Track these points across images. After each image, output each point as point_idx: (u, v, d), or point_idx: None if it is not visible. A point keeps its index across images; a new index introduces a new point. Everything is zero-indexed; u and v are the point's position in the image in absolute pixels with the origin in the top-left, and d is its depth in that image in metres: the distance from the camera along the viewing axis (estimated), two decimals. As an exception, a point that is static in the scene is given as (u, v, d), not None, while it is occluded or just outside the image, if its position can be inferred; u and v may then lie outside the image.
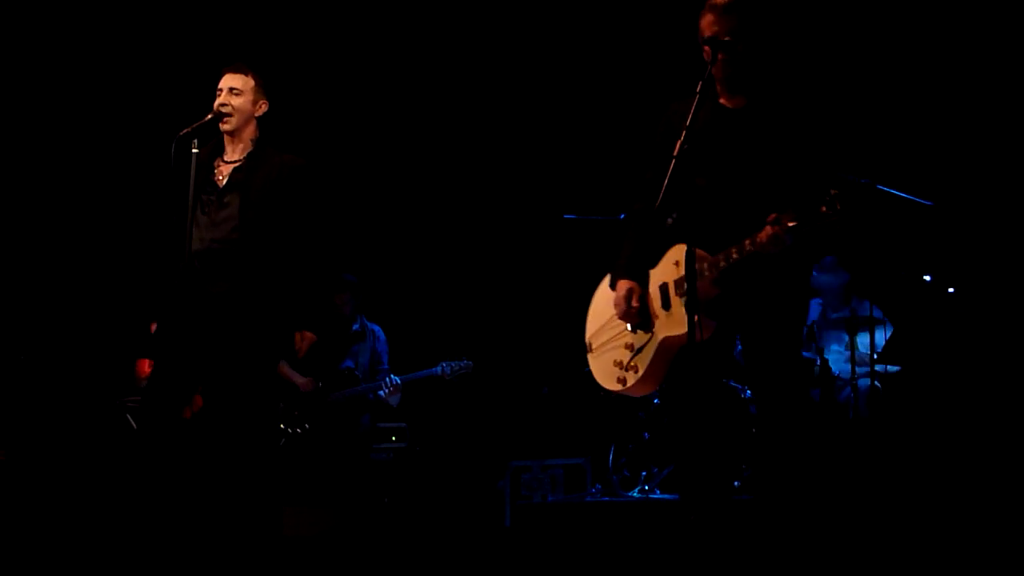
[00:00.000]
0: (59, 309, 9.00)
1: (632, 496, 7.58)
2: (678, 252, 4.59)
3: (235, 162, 5.74)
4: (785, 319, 4.58)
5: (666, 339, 4.65)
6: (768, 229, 4.33)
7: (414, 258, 9.79)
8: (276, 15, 9.19)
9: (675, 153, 4.32)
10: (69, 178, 9.11)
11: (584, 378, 8.37)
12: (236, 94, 5.70)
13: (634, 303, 4.72)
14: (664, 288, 4.69)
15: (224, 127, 5.71)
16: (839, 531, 5.45)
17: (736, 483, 7.14)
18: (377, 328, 8.57)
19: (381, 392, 8.09)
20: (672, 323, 4.63)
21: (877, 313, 7.43)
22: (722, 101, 4.68)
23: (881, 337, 7.36)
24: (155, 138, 6.48)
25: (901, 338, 7.28)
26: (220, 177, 5.73)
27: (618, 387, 4.89)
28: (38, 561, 6.11)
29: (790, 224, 4.26)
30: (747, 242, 4.38)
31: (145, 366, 8.07)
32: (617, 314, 4.82)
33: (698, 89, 4.42)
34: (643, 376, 4.75)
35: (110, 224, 9.11)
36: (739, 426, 7.18)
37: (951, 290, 7.28)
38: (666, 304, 4.67)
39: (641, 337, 4.78)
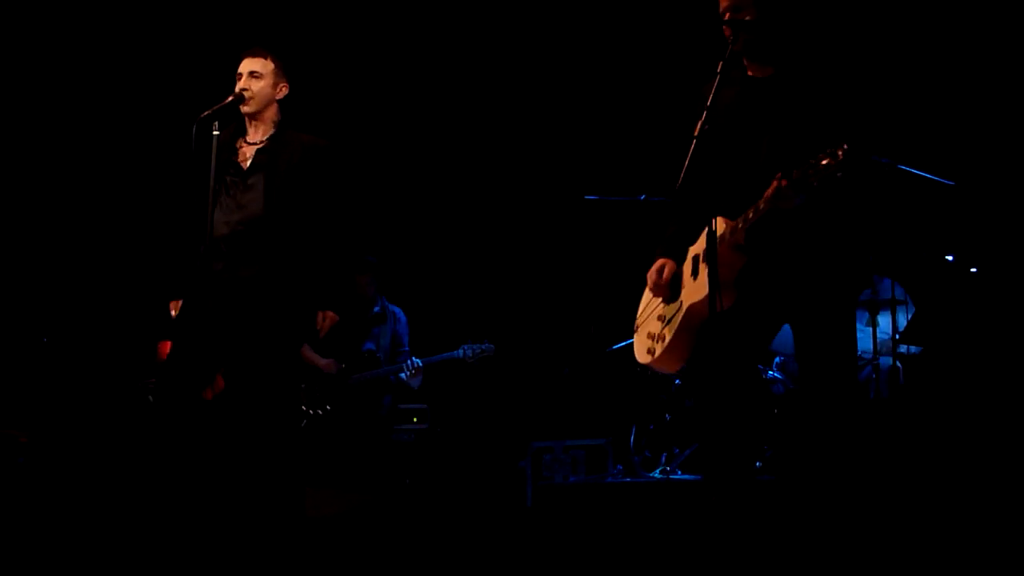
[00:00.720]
0: (81, 292, 9.03)
1: (653, 477, 7.58)
2: (713, 224, 4.59)
3: (258, 144, 5.78)
4: (825, 296, 4.54)
5: (691, 306, 4.66)
6: (773, 183, 4.32)
7: (436, 240, 9.79)
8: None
9: (695, 134, 4.32)
10: (91, 161, 9.13)
11: (606, 359, 8.43)
12: (256, 77, 5.73)
13: (664, 276, 4.73)
14: (696, 259, 4.72)
15: (245, 109, 5.73)
16: (861, 514, 5.44)
17: (758, 463, 7.14)
18: (398, 310, 8.58)
19: (403, 375, 8.11)
20: (696, 290, 4.63)
21: (899, 293, 7.41)
22: (750, 72, 4.67)
23: (903, 317, 7.34)
24: (175, 120, 6.50)
25: (923, 318, 7.26)
26: (243, 159, 5.76)
27: (648, 358, 4.92)
28: (60, 541, 6.14)
29: (794, 175, 4.23)
30: (760, 201, 4.37)
31: (167, 348, 8.10)
32: (649, 286, 4.85)
33: (718, 69, 4.42)
34: (669, 345, 4.75)
35: (132, 206, 9.12)
36: (761, 406, 7.17)
37: (974, 270, 7.25)
38: (695, 273, 4.69)
39: (672, 308, 4.79)
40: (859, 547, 4.60)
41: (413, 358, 8.15)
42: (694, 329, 4.70)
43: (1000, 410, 6.84)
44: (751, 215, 4.42)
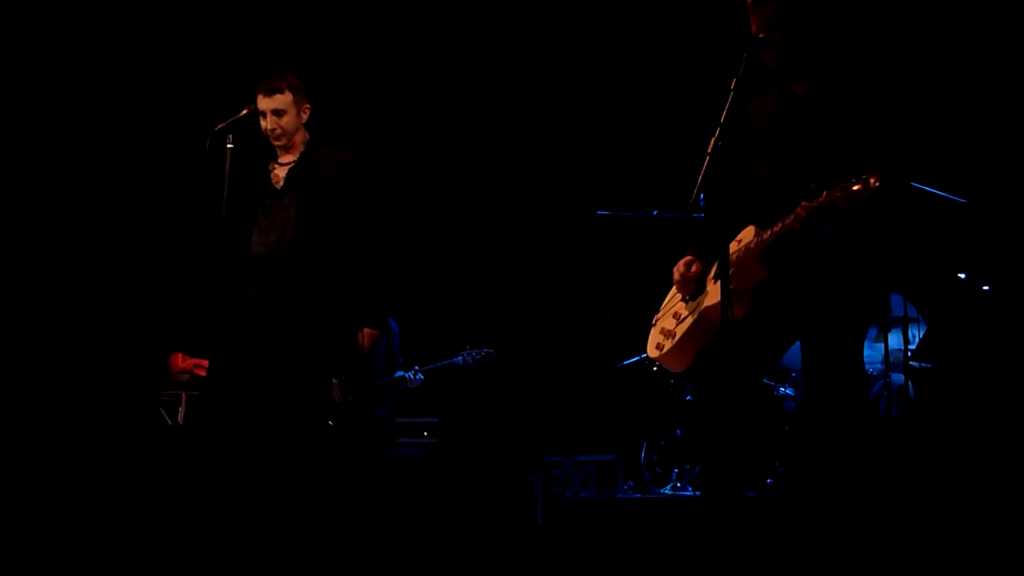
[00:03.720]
0: (93, 303, 9.04)
1: (664, 493, 7.56)
2: (744, 232, 4.63)
3: (289, 164, 5.88)
4: (840, 319, 4.53)
5: (706, 309, 4.66)
6: (799, 207, 4.32)
7: (448, 253, 9.79)
8: (301, 10, 9.23)
9: (708, 151, 4.33)
10: (104, 174, 9.15)
11: (617, 374, 8.42)
12: (280, 115, 5.79)
13: (691, 270, 4.75)
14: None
15: (278, 144, 5.87)
16: (871, 530, 5.43)
17: (769, 480, 7.12)
18: (391, 321, 8.55)
19: (408, 383, 8.11)
20: (714, 294, 4.63)
21: (911, 311, 7.40)
22: (791, 87, 4.68)
23: (914, 335, 7.33)
24: (190, 132, 6.53)
25: (935, 336, 7.25)
26: (277, 181, 5.87)
27: (656, 353, 4.93)
28: (71, 552, 6.14)
29: (822, 197, 4.24)
30: (788, 217, 4.38)
31: (178, 360, 8.11)
32: (675, 278, 4.84)
33: (732, 87, 4.42)
34: (677, 344, 4.76)
35: (145, 217, 9.14)
36: (772, 423, 7.16)
37: (986, 288, 7.24)
38: (716, 277, 4.68)
39: (689, 308, 4.80)
40: (868, 563, 4.59)
41: (417, 368, 8.13)
42: (705, 333, 4.71)
43: (1012, 428, 6.83)
44: (776, 229, 4.42)
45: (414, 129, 9.65)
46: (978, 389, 7.16)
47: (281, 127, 5.80)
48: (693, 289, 4.80)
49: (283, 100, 5.79)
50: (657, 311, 5.20)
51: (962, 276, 7.29)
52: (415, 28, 9.39)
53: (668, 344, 4.85)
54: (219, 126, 5.61)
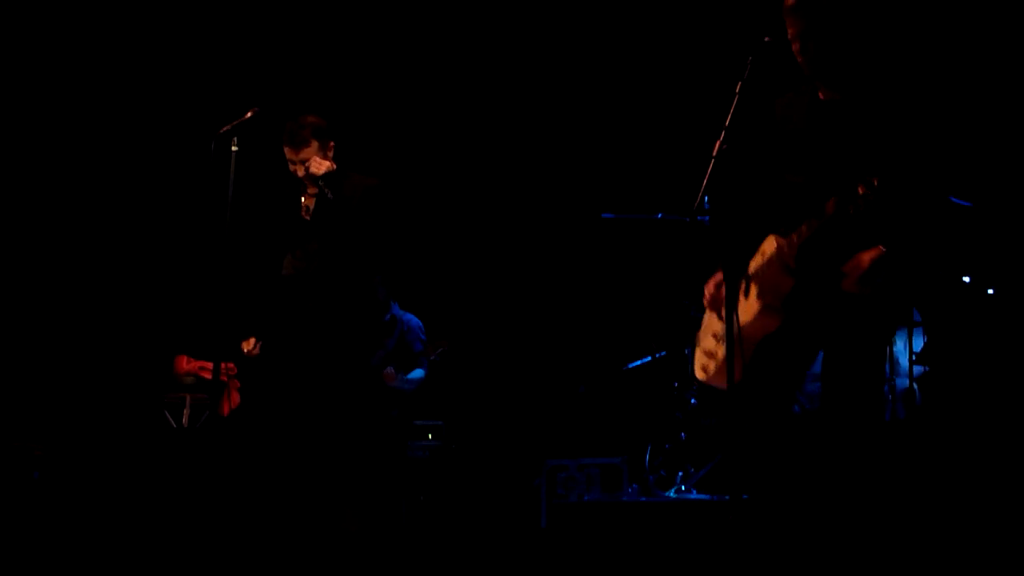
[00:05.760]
0: (97, 306, 9.04)
1: (669, 496, 7.56)
2: (766, 243, 4.62)
3: (317, 195, 6.12)
4: (867, 327, 4.53)
5: (743, 325, 4.62)
6: (814, 218, 4.31)
7: (452, 257, 9.79)
8: (302, 11, 9.26)
9: (714, 153, 4.32)
10: (109, 177, 9.16)
11: (621, 377, 8.42)
12: (307, 163, 6.00)
13: (721, 293, 4.72)
14: (748, 277, 4.69)
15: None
16: (876, 534, 5.42)
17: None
18: (410, 317, 8.52)
19: (415, 374, 8.14)
20: (746, 309, 4.62)
21: (916, 314, 7.38)
22: (820, 95, 4.66)
23: (919, 338, 7.31)
24: (194, 135, 6.55)
25: (940, 340, 7.24)
26: (306, 209, 6.14)
27: (703, 375, 4.91)
28: (76, 555, 6.15)
29: (828, 210, 4.23)
30: (803, 226, 4.37)
31: (183, 362, 8.12)
32: (706, 298, 4.84)
33: (737, 90, 4.42)
34: (722, 364, 4.73)
35: (150, 222, 9.15)
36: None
37: (990, 291, 7.23)
38: (747, 292, 4.67)
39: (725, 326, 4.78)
40: (873, 565, 4.59)
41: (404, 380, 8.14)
42: (746, 348, 4.67)
43: (1017, 431, 6.82)
44: (804, 231, 4.40)
45: (418, 133, 9.65)
46: (983, 392, 7.14)
47: (313, 170, 6.02)
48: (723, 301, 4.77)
49: (309, 151, 6.03)
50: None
51: (967, 279, 7.28)
52: (420, 31, 9.40)
53: (713, 365, 4.82)
54: (224, 129, 5.62)
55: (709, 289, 4.80)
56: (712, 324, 4.89)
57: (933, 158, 4.48)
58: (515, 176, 9.70)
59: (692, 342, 5.49)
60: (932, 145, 4.50)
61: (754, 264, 4.67)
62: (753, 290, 4.59)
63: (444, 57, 9.50)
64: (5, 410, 8.09)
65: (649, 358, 8.27)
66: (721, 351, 4.73)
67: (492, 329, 9.53)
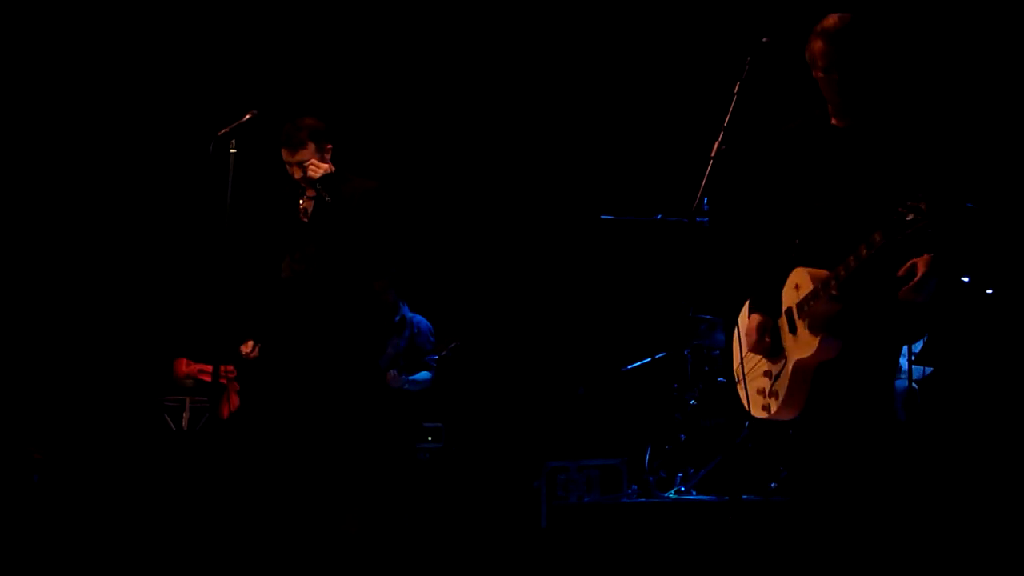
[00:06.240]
0: (96, 309, 9.04)
1: (668, 497, 7.56)
2: (797, 276, 4.62)
3: (315, 197, 6.11)
4: (887, 334, 4.57)
5: (797, 362, 4.63)
6: (863, 247, 4.30)
7: (451, 258, 9.80)
8: (301, 11, 9.26)
9: (712, 155, 4.33)
10: (108, 180, 9.16)
11: (621, 378, 8.41)
12: (304, 165, 6.01)
13: (765, 339, 4.74)
14: (789, 313, 4.68)
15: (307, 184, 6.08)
16: (877, 534, 5.43)
17: (773, 484, 7.12)
18: (419, 319, 8.53)
19: (422, 376, 8.15)
20: (800, 346, 4.61)
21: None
22: (833, 122, 4.66)
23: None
24: (193, 137, 6.55)
25: (939, 340, 7.23)
26: (304, 212, 6.14)
27: (764, 414, 4.88)
28: (75, 558, 6.15)
29: (877, 240, 4.22)
30: (851, 258, 4.36)
31: (182, 365, 8.11)
32: (747, 344, 4.84)
33: (735, 90, 4.42)
34: (783, 401, 4.72)
35: (148, 224, 9.15)
36: (776, 427, 7.15)
37: (989, 291, 7.23)
38: (792, 328, 4.65)
39: (777, 365, 4.77)
40: (875, 566, 4.59)
41: (406, 379, 8.15)
42: (807, 380, 4.67)
43: (1017, 431, 6.82)
44: (842, 273, 4.40)
45: (417, 135, 9.66)
46: (982, 393, 7.15)
47: (312, 172, 6.01)
48: (769, 343, 4.77)
49: (306, 154, 6.02)
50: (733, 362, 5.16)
51: (966, 280, 7.28)
52: (419, 33, 9.40)
53: (775, 403, 4.79)
54: (223, 131, 5.63)
55: (752, 336, 4.78)
56: (760, 363, 4.88)
57: (964, 173, 4.50)
58: (514, 178, 9.70)
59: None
60: (960, 162, 4.52)
61: (790, 299, 4.68)
62: (802, 324, 4.59)
63: (443, 60, 9.50)
64: (5, 414, 8.10)
65: (648, 359, 8.27)
66: (781, 388, 4.73)
67: (492, 331, 9.53)
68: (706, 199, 7.28)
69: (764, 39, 4.53)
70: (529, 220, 9.68)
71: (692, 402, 7.75)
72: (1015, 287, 7.34)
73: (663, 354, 8.20)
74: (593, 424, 9.03)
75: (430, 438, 8.68)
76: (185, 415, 8.00)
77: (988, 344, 7.22)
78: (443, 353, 8.28)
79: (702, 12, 8.66)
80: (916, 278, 4.30)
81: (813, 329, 4.49)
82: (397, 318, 8.44)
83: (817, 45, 4.51)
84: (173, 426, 7.98)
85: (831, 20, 4.49)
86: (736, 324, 4.97)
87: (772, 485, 7.12)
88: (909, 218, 4.09)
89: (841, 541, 4.53)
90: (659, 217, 7.99)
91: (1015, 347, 7.16)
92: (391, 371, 7.98)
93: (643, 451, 7.78)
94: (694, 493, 7.56)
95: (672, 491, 7.63)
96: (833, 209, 4.56)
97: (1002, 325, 7.23)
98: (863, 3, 4.68)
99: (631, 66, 9.19)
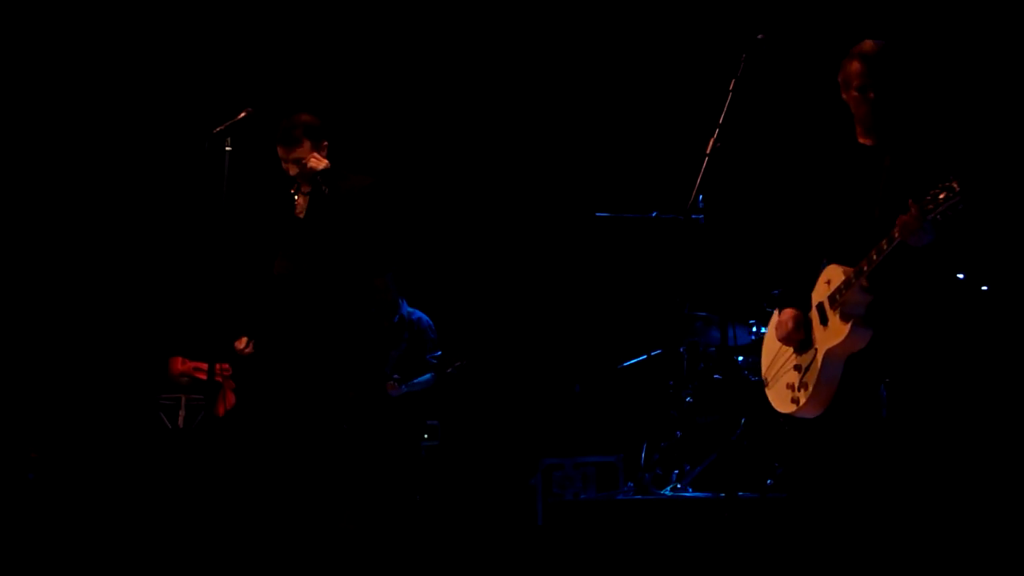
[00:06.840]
0: (92, 307, 9.04)
1: (664, 494, 7.56)
2: (829, 272, 4.74)
3: (310, 193, 6.10)
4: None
5: (828, 351, 4.70)
6: (899, 220, 4.37)
7: (447, 256, 9.79)
8: (301, 15, 9.26)
9: (707, 152, 4.34)
10: (103, 178, 9.15)
11: (617, 375, 8.41)
12: (301, 161, 5.96)
13: (798, 330, 4.83)
14: (820, 307, 4.77)
15: (303, 179, 6.07)
16: (871, 532, 5.43)
17: (769, 481, 7.13)
18: (417, 313, 8.51)
19: (424, 378, 8.14)
20: (830, 334, 4.69)
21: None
22: (860, 140, 4.76)
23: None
24: (188, 135, 6.55)
25: (931, 336, 7.23)
26: (300, 208, 6.11)
27: (792, 407, 4.91)
28: (71, 557, 6.15)
29: (915, 210, 4.30)
30: (883, 241, 4.42)
31: (178, 363, 8.11)
32: (779, 335, 4.91)
33: (730, 87, 4.44)
34: (813, 392, 4.77)
35: (144, 223, 9.14)
36: (771, 423, 7.16)
37: (984, 288, 7.23)
38: (823, 320, 4.74)
39: (807, 356, 4.83)
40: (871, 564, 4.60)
41: (402, 385, 8.13)
42: (837, 371, 4.73)
43: (1011, 429, 6.82)
44: (875, 256, 4.49)
45: (413, 133, 9.65)
46: (977, 390, 7.15)
47: (307, 169, 5.99)
48: (802, 336, 4.83)
49: (300, 150, 5.98)
50: (762, 368, 5.19)
51: (960, 276, 7.28)
52: (415, 30, 9.40)
53: (804, 395, 4.83)
54: (217, 129, 5.63)
55: (786, 327, 4.84)
56: (789, 358, 4.92)
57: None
58: (509, 175, 9.70)
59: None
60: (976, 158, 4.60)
61: (821, 292, 4.76)
62: (834, 314, 4.67)
63: (439, 57, 9.50)
64: (1, 412, 8.09)
65: (644, 356, 8.27)
66: (811, 379, 4.76)
67: (487, 328, 9.53)
68: (701, 196, 7.27)
69: (759, 36, 4.55)
70: (525, 217, 9.67)
71: (688, 399, 7.75)
72: (1010, 284, 7.35)
73: (659, 351, 8.20)
74: (589, 421, 9.04)
75: (426, 436, 8.67)
76: (181, 413, 8.00)
77: (983, 340, 7.22)
78: (448, 370, 8.27)
79: (697, 9, 8.66)
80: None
81: (844, 317, 4.58)
82: (396, 318, 8.42)
83: (854, 66, 4.66)
84: (169, 424, 7.97)
85: (868, 44, 4.66)
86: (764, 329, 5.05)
87: (768, 482, 7.12)
88: (942, 196, 4.17)
89: (842, 538, 4.55)
90: (654, 214, 7.98)
91: (1010, 343, 7.16)
92: (390, 380, 7.99)
93: (639, 448, 7.78)
94: (690, 490, 7.56)
95: (668, 488, 7.62)
96: (862, 222, 4.66)
97: (997, 321, 7.23)
98: (863, 4, 4.72)
99: (627, 64, 9.19)
